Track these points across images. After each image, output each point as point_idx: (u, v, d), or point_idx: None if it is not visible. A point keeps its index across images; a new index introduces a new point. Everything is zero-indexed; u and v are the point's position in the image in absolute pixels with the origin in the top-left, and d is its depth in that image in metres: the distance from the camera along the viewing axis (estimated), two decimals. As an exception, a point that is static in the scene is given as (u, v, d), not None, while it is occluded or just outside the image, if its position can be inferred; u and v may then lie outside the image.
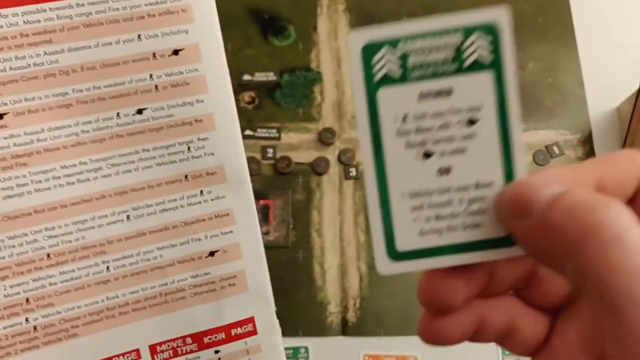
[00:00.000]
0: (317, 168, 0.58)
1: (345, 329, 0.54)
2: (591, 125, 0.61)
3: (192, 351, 0.36)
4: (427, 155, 0.18)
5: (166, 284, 0.35)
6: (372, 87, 0.17)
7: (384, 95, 0.17)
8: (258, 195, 0.57)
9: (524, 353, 0.20)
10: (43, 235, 0.33)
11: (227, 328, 0.36)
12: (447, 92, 0.17)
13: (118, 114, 0.33)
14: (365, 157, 0.18)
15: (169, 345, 0.35)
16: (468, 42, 0.17)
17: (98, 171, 0.34)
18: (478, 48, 0.17)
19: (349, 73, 0.18)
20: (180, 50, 0.34)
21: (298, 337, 0.53)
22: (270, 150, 0.58)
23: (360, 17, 0.64)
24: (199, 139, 0.35)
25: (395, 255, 0.18)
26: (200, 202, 0.35)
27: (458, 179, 0.18)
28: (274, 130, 0.59)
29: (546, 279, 0.20)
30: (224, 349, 0.36)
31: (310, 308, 0.54)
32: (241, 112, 0.60)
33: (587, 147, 0.60)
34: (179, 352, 0.35)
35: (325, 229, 0.57)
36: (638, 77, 0.56)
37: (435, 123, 0.18)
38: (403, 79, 0.17)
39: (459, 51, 0.17)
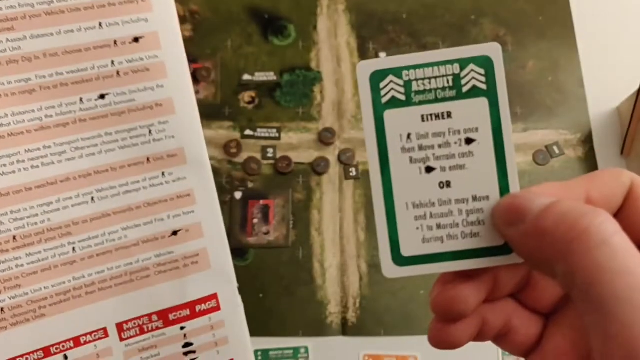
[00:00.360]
0: (317, 168, 0.58)
1: (345, 329, 0.54)
2: (591, 125, 0.61)
3: (157, 328, 0.36)
4: (429, 170, 0.20)
5: (131, 264, 0.36)
6: (379, 109, 0.20)
7: (390, 116, 0.20)
8: (258, 195, 0.57)
9: (518, 353, 0.21)
10: (9, 218, 0.34)
11: (191, 305, 0.37)
12: (447, 115, 0.20)
13: (81, 99, 0.34)
14: (372, 170, 0.20)
15: (135, 323, 0.36)
16: (465, 72, 0.20)
17: (62, 155, 0.34)
18: (474, 77, 0.20)
19: (359, 97, 0.20)
20: (140, 37, 0.35)
21: (298, 337, 0.53)
22: (271, 150, 0.58)
23: (360, 17, 0.64)
24: (159, 123, 0.36)
25: (400, 260, 0.20)
26: (162, 184, 0.36)
27: (457, 192, 0.20)
28: (274, 130, 0.59)
29: (540, 284, 0.21)
30: (189, 325, 0.37)
31: (310, 307, 0.54)
32: (241, 111, 0.60)
33: (587, 147, 0.60)
34: (145, 330, 0.36)
35: (325, 228, 0.57)
36: (638, 77, 0.56)
37: (437, 142, 0.20)
38: (407, 102, 0.20)
39: (457, 80, 0.20)
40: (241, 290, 0.55)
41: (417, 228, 0.20)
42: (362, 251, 0.56)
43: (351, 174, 0.58)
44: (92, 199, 0.35)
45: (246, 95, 0.61)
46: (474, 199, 0.20)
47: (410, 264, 0.20)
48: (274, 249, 0.56)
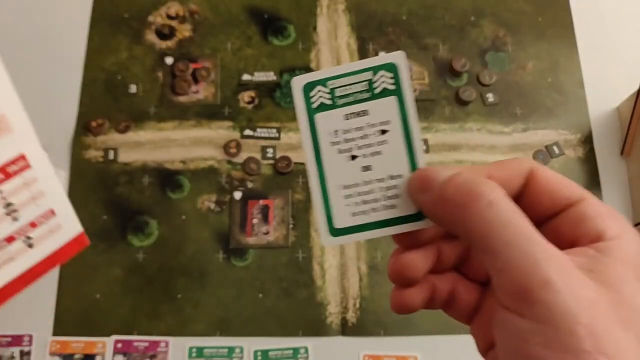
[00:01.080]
0: (317, 168, 0.58)
1: (345, 329, 0.53)
2: (591, 125, 0.61)
3: None
4: (354, 157, 0.24)
5: None
6: (311, 113, 0.25)
7: (320, 118, 0.25)
8: (258, 195, 0.57)
9: (463, 319, 0.25)
10: None
11: (2, 168, 0.39)
12: (365, 112, 0.24)
13: None
14: (309, 161, 0.24)
15: None
16: (377, 77, 0.24)
17: None
18: (384, 81, 0.24)
19: (295, 105, 0.25)
20: None
21: (298, 337, 0.53)
22: (270, 150, 0.58)
23: (360, 18, 0.64)
24: None
25: (334, 231, 0.24)
26: None
27: (377, 173, 0.24)
28: (274, 130, 0.59)
29: (477, 257, 0.25)
30: (5, 187, 0.39)
31: (310, 308, 0.54)
32: (241, 111, 0.60)
33: (587, 147, 0.60)
34: None
35: (325, 229, 0.56)
36: (638, 77, 0.56)
37: (358, 134, 0.24)
38: (333, 105, 0.24)
39: (370, 84, 0.24)
40: (240, 290, 0.55)
41: (347, 205, 0.24)
42: (362, 253, 0.56)
43: (351, 174, 0.58)
44: None
45: (246, 95, 0.61)
46: (391, 177, 0.24)
47: (343, 234, 0.24)
48: (273, 249, 0.56)
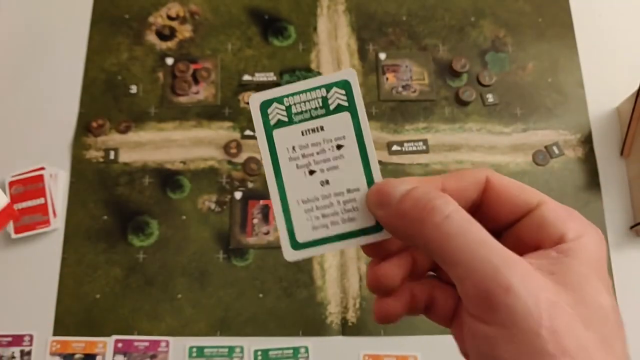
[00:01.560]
0: (317, 168, 0.58)
1: (345, 329, 0.54)
2: (591, 125, 0.61)
3: None
4: (312, 172, 0.25)
5: None
6: (269, 129, 0.25)
7: (278, 134, 0.25)
8: (258, 196, 0.57)
9: (444, 322, 0.25)
10: None
11: None
12: (321, 128, 0.25)
13: None
14: (268, 177, 0.25)
15: None
16: (330, 94, 0.25)
17: None
18: (337, 97, 0.25)
19: (253, 122, 0.25)
20: None
21: (298, 337, 0.53)
22: (270, 151, 0.58)
23: (360, 18, 0.64)
24: None
25: (296, 245, 0.25)
26: None
27: (335, 187, 0.25)
28: (274, 131, 0.59)
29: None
30: None
31: (310, 308, 0.54)
32: (241, 112, 0.60)
33: (587, 147, 0.60)
34: None
35: (325, 229, 0.57)
36: (638, 77, 0.56)
37: (315, 150, 0.25)
38: (289, 122, 0.25)
39: (325, 100, 0.25)
40: (241, 290, 0.55)
41: (307, 219, 0.25)
42: (362, 252, 0.56)
43: (351, 175, 0.58)
44: None
45: (246, 96, 0.61)
46: (348, 191, 0.25)
47: (305, 248, 0.25)
48: (274, 249, 0.56)
